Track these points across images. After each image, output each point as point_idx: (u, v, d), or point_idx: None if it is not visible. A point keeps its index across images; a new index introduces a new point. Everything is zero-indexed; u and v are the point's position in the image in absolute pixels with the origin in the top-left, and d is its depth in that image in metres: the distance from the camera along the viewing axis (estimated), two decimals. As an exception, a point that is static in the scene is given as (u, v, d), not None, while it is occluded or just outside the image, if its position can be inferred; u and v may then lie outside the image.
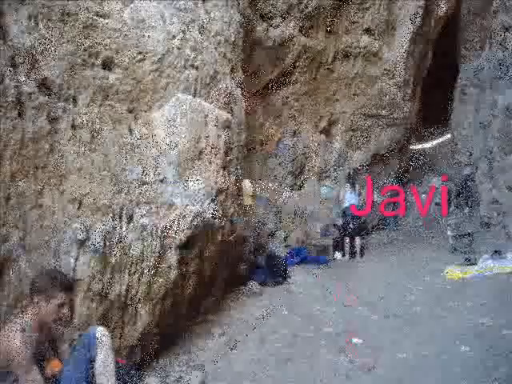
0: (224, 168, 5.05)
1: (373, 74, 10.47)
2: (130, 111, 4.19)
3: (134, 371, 3.12)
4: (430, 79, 17.09)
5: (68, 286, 2.53)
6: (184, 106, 4.48)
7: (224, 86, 5.40)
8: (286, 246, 9.33)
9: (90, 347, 2.53)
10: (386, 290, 6.29)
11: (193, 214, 4.22)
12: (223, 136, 5.02)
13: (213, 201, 4.66)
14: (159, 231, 3.82)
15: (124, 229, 3.52)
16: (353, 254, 9.32)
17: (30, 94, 3.06)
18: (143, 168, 3.92)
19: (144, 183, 3.85)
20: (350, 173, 10.37)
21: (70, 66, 3.55)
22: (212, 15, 5.66)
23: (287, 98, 9.47)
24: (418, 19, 11.83)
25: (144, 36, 4.25)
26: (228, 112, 5.45)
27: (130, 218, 3.62)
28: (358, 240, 9.39)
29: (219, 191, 4.89)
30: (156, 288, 3.84)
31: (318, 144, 10.39)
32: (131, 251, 3.54)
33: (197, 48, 4.91)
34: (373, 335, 4.54)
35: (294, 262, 8.48)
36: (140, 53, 4.20)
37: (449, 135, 18.00)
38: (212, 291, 5.47)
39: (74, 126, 3.43)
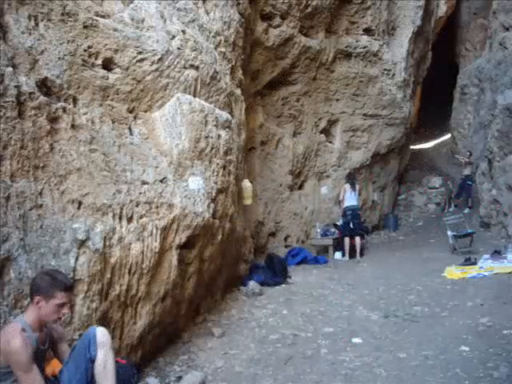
0: (224, 168, 5.05)
1: (373, 74, 10.47)
2: (130, 111, 4.19)
3: (133, 371, 3.13)
4: (429, 79, 17.11)
5: (68, 286, 2.52)
6: (184, 106, 4.49)
7: (224, 85, 5.40)
8: (285, 246, 9.34)
9: (90, 347, 2.53)
10: (385, 290, 6.29)
11: (193, 214, 4.22)
12: (223, 136, 5.02)
13: (213, 201, 4.66)
14: (159, 231, 3.82)
15: (124, 229, 3.52)
16: (353, 254, 9.32)
17: (30, 93, 3.06)
18: (143, 168, 3.92)
19: (144, 183, 3.85)
20: (350, 173, 10.36)
21: (70, 66, 3.55)
22: (212, 15, 5.66)
23: (287, 98, 9.46)
24: (418, 19, 11.85)
25: (144, 36, 4.25)
26: (228, 112, 5.45)
27: (130, 218, 3.62)
28: (357, 240, 9.39)
29: (219, 191, 4.89)
30: (156, 288, 3.85)
31: (318, 144, 10.39)
32: (131, 251, 3.54)
33: (197, 48, 4.91)
34: (373, 335, 4.54)
35: (293, 261, 8.49)
36: (140, 53, 4.20)
37: (449, 135, 18.03)
38: (212, 291, 5.47)
39: (74, 126, 3.42)
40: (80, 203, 3.26)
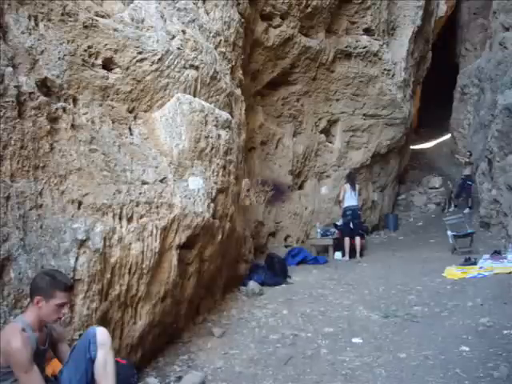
0: (224, 168, 5.05)
1: (373, 74, 10.47)
2: (130, 111, 4.19)
3: (133, 371, 3.13)
4: (429, 79, 17.11)
5: (68, 286, 2.52)
6: (184, 106, 4.49)
7: (224, 85, 5.40)
8: (285, 246, 9.33)
9: (90, 347, 2.52)
10: (385, 290, 6.29)
11: (193, 214, 4.22)
12: (223, 136, 5.02)
13: (213, 201, 4.66)
14: (159, 231, 3.82)
15: (124, 229, 3.52)
16: (353, 254, 9.32)
17: (30, 93, 3.06)
18: (143, 168, 3.92)
19: (144, 183, 3.85)
20: (350, 173, 10.36)
21: (70, 66, 3.55)
22: (212, 15, 5.66)
23: (287, 98, 9.46)
24: (418, 19, 11.85)
25: (144, 36, 4.25)
26: (228, 112, 5.45)
27: (130, 218, 3.62)
28: (357, 240, 9.38)
29: (219, 191, 4.89)
30: (156, 288, 3.85)
31: (318, 144, 10.39)
32: (131, 251, 3.54)
33: (197, 48, 4.91)
34: (373, 335, 4.54)
35: (293, 262, 8.49)
36: (140, 53, 4.20)
37: (449, 135, 18.03)
38: (212, 291, 5.47)
39: (74, 126, 3.43)
40: (80, 203, 3.26)
